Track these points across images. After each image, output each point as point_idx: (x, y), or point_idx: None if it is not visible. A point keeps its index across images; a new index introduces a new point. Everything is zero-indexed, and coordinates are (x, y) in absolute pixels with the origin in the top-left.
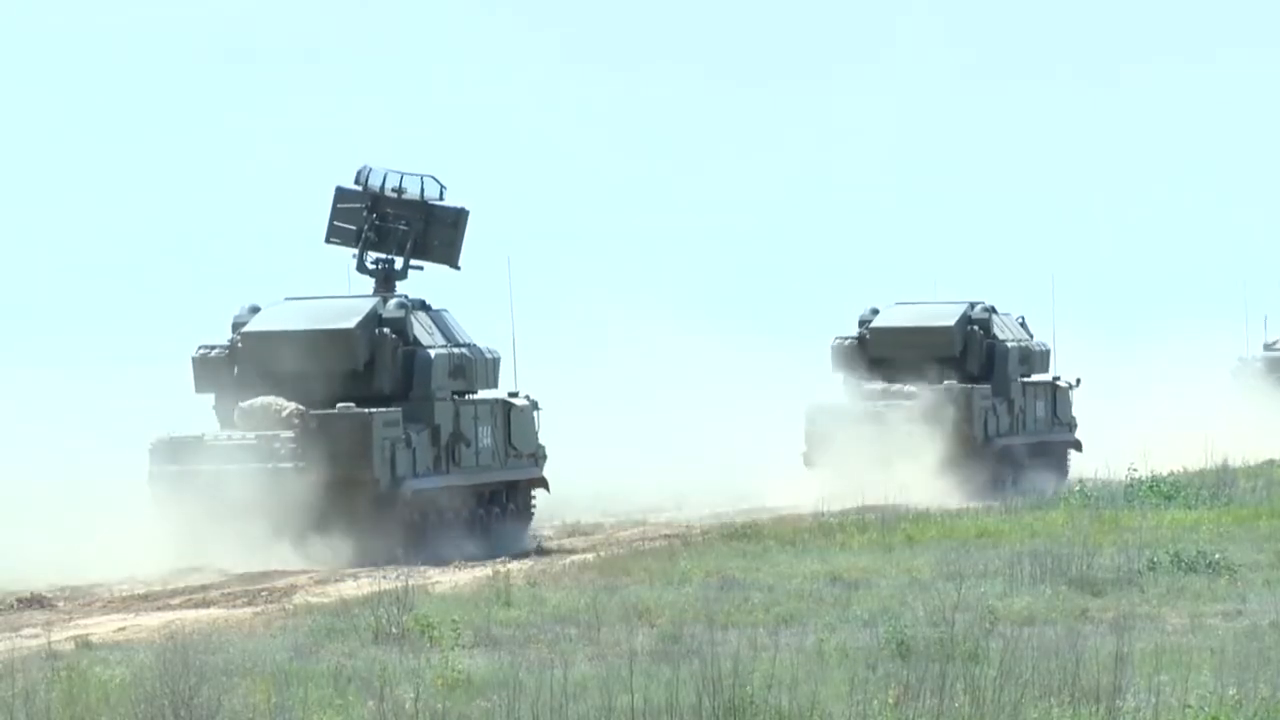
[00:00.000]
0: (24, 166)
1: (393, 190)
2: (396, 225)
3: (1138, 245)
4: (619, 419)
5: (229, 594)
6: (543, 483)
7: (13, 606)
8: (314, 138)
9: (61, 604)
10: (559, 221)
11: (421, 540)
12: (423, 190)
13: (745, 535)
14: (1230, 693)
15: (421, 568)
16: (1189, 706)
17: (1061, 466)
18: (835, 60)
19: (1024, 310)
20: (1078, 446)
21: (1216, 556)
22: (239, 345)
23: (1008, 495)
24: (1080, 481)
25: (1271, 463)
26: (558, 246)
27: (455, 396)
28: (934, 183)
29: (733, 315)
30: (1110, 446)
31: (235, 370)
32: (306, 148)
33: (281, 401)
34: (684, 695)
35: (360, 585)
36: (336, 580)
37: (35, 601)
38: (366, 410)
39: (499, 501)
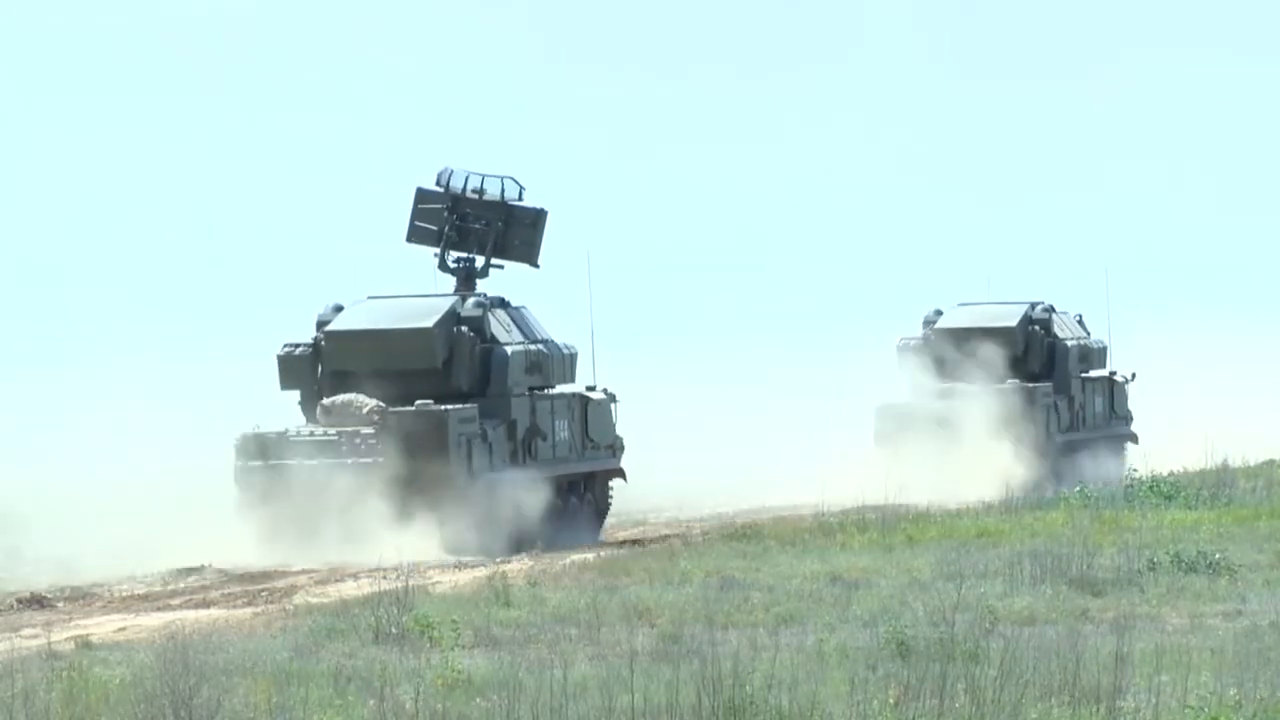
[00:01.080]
0: (112, 167)
1: (473, 191)
2: (477, 225)
3: (1192, 237)
4: (688, 414)
5: (229, 594)
6: (620, 473)
7: (12, 606)
8: (397, 139)
9: (61, 604)
10: (638, 218)
11: (499, 532)
12: (503, 191)
13: (745, 535)
14: (1230, 693)
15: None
16: (1189, 707)
17: (1119, 459)
18: (886, 59)
19: (1077, 303)
20: (1134, 439)
21: (1216, 556)
22: (322, 343)
23: (1070, 489)
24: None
25: (1271, 463)
26: (637, 242)
27: (532, 391)
28: (985, 181)
29: (796, 315)
30: (1167, 439)
31: (319, 368)
32: (390, 149)
33: (363, 398)
34: (684, 695)
35: (360, 585)
36: (337, 580)
37: (35, 601)
38: (443, 407)
39: (576, 492)
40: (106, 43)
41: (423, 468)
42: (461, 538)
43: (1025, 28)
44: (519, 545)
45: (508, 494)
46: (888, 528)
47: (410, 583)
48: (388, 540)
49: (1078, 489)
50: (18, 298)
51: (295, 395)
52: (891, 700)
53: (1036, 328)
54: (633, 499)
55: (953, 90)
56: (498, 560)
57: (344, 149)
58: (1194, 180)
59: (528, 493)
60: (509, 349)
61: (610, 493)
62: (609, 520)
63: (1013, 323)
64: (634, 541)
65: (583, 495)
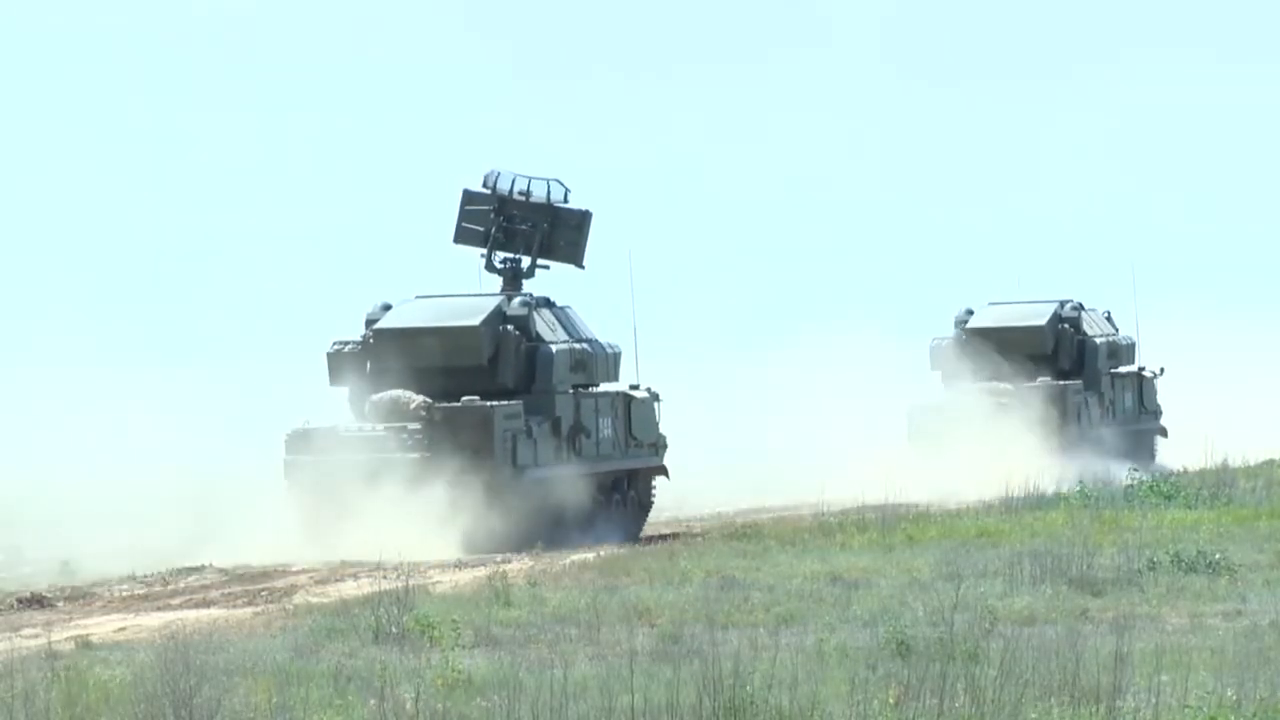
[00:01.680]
0: (162, 167)
1: (519, 193)
2: (523, 226)
3: (1218, 230)
4: (721, 414)
5: (229, 594)
6: (663, 471)
7: (13, 606)
8: (444, 142)
9: (61, 604)
10: (679, 219)
11: (543, 527)
12: (548, 193)
13: (745, 535)
14: (1230, 693)
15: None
16: (1189, 706)
17: (1149, 453)
18: (914, 58)
19: (1105, 299)
20: (1164, 433)
21: (1216, 556)
22: (371, 341)
23: (1102, 484)
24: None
25: (1271, 463)
26: (678, 243)
27: (577, 389)
28: (1010, 181)
29: (824, 315)
30: (1197, 432)
31: (367, 365)
32: (437, 152)
33: (410, 395)
34: (684, 695)
35: (360, 585)
36: (337, 580)
37: (35, 601)
38: (488, 403)
39: (620, 489)
40: (149, 41)
41: (468, 463)
42: (506, 532)
43: (1049, 24)
44: (562, 540)
45: (552, 490)
46: (888, 528)
47: (410, 582)
48: (433, 534)
49: (1078, 488)
50: (24, 298)
51: (344, 392)
52: (891, 700)
53: (1066, 326)
54: (672, 495)
55: (979, 90)
56: (498, 560)
57: (392, 152)
58: (1216, 178)
59: (572, 489)
60: (554, 347)
61: (653, 490)
62: None
63: (1042, 321)
64: (642, 539)
65: (626, 492)
